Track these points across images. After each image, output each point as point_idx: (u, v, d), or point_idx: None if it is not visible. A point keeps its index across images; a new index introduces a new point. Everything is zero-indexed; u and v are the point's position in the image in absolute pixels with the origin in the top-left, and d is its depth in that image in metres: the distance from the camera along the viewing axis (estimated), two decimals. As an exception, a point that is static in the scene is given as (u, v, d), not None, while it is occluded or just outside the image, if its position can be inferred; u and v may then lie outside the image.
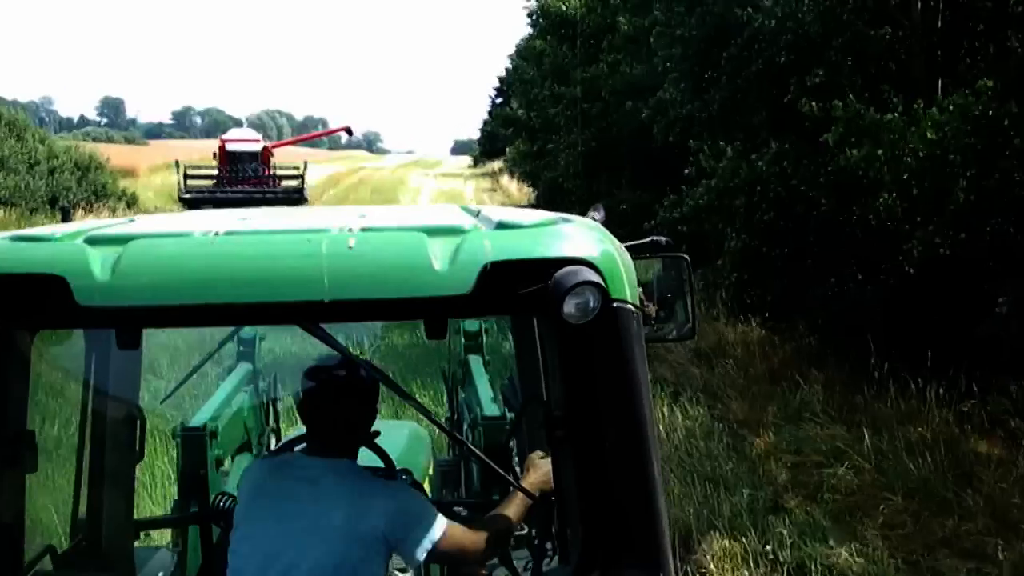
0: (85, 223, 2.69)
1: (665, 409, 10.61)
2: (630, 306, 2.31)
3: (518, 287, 2.20)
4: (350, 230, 2.29)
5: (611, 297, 2.22)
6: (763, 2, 13.01)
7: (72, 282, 2.18)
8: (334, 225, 2.33)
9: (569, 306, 2.15)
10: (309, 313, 2.24)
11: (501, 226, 2.33)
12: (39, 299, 2.25)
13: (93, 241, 2.29)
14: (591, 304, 2.17)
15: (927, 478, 8.31)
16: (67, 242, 2.30)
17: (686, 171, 14.25)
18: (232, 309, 2.24)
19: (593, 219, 2.73)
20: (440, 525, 2.95)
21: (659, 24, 15.72)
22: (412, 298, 2.19)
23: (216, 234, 2.32)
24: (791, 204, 12.44)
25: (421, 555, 2.92)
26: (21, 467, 2.64)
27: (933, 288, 10.45)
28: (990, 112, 8.87)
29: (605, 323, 2.21)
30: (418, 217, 2.68)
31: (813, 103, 10.97)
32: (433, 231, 2.27)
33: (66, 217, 3.34)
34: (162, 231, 2.42)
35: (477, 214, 2.65)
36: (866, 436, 9.06)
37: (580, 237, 2.32)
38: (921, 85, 12.40)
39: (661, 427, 9.98)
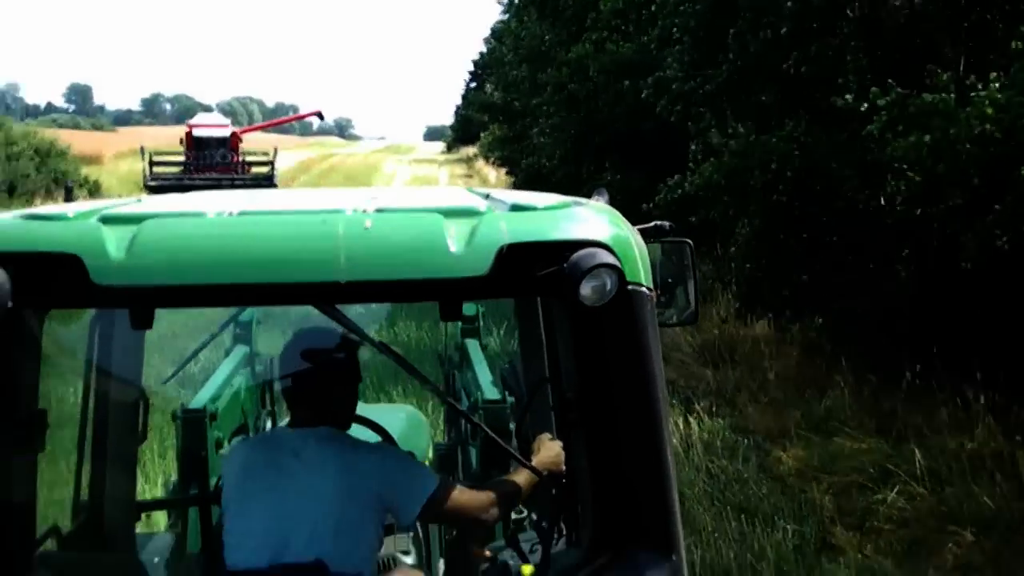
0: (97, 202, 2.58)
1: (680, 419, 9.46)
2: (645, 289, 2.28)
3: (534, 269, 2.17)
4: (365, 211, 2.25)
5: (627, 280, 2.19)
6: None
7: (88, 261, 2.13)
8: (348, 206, 2.28)
9: (586, 289, 2.11)
10: (325, 294, 2.19)
11: (516, 208, 2.30)
12: (53, 278, 2.18)
13: (108, 220, 2.24)
14: (608, 287, 2.13)
15: (999, 508, 7.14)
16: (82, 221, 2.25)
17: (692, 146, 13.05)
18: (248, 289, 2.20)
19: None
20: (435, 481, 2.94)
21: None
22: (429, 279, 2.15)
23: (231, 214, 2.28)
24: (810, 184, 11.24)
25: (416, 509, 2.90)
26: (34, 447, 2.57)
27: (976, 282, 9.33)
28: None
29: (621, 306, 2.18)
30: (429, 199, 2.66)
31: (848, 95, 9.73)
32: (449, 212, 2.23)
33: (69, 196, 3.41)
34: (176, 210, 2.37)
35: (487, 196, 2.60)
36: (917, 454, 7.92)
37: (596, 220, 2.31)
38: (948, 61, 11.28)
39: (677, 442, 8.83)
